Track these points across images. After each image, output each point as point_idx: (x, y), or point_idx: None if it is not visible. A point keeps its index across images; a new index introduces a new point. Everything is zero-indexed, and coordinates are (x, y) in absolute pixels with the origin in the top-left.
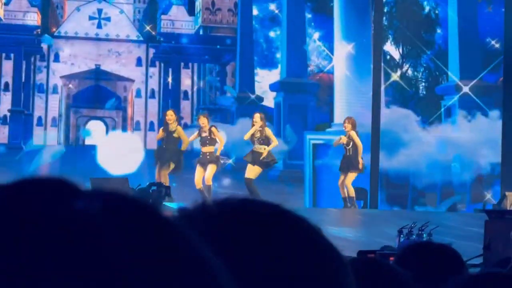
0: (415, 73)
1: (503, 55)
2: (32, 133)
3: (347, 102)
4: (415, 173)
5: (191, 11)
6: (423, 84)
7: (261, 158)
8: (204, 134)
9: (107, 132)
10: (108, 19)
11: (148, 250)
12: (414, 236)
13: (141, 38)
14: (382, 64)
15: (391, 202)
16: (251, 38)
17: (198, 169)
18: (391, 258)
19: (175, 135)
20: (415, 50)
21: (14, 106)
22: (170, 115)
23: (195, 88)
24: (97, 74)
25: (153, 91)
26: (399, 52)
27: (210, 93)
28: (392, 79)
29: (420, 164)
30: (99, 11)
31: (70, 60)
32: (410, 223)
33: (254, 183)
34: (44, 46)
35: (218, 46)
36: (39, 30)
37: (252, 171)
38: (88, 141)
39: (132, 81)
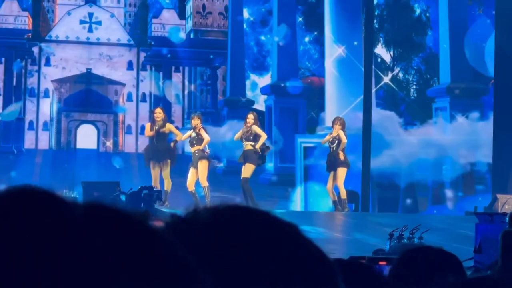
0: (406, 75)
1: (494, 57)
2: (23, 137)
3: (338, 105)
4: (406, 175)
5: (181, 14)
6: (414, 86)
7: (254, 151)
8: (193, 135)
9: (98, 136)
10: (99, 23)
11: (128, 259)
12: (405, 240)
13: (132, 42)
14: (373, 67)
15: (382, 205)
16: (242, 42)
17: (191, 171)
18: (380, 262)
19: (165, 130)
20: (406, 52)
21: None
22: (158, 112)
23: (186, 92)
24: (88, 78)
25: (144, 94)
26: (390, 55)
27: (201, 97)
28: (383, 82)
29: (411, 167)
30: (90, 15)
31: (61, 64)
32: (401, 227)
33: (249, 184)
34: (35, 49)
35: (209, 50)
36: (30, 34)
37: (245, 170)
38: (79, 145)
39: (123, 85)
